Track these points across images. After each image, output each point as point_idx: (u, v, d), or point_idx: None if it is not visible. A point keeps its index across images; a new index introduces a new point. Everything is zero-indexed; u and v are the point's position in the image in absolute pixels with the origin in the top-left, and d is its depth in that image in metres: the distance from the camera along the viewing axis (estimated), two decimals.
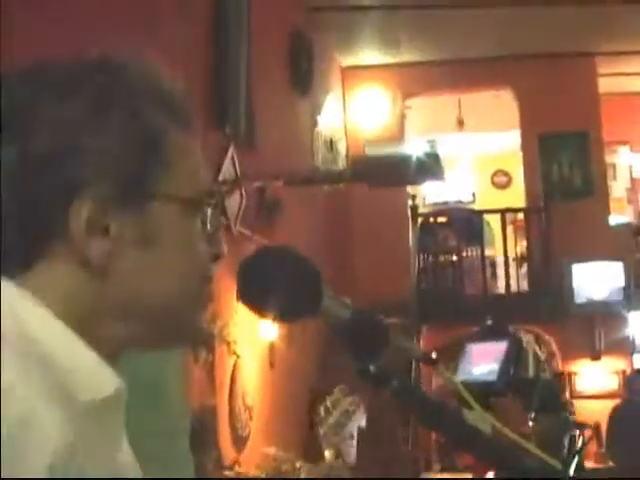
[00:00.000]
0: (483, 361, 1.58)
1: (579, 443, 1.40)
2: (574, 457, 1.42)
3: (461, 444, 1.39)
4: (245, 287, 1.14)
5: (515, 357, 1.54)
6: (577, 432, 1.39)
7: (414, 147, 4.45)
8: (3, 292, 0.88)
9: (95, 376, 0.90)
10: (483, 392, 1.53)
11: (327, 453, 7.41)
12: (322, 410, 7.65)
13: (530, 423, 1.49)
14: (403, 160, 4.28)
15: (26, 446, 0.78)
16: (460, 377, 1.58)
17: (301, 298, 1.16)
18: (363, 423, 8.01)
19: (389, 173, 4.31)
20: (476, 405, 1.41)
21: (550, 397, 1.53)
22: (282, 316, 1.17)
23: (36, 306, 0.89)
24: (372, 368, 1.26)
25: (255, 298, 1.14)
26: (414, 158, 4.29)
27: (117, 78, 0.96)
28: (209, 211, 1.02)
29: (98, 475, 0.86)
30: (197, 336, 1.05)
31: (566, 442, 1.46)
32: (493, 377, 1.55)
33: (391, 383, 1.28)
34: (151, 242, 0.94)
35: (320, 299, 1.17)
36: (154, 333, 0.99)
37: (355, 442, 7.95)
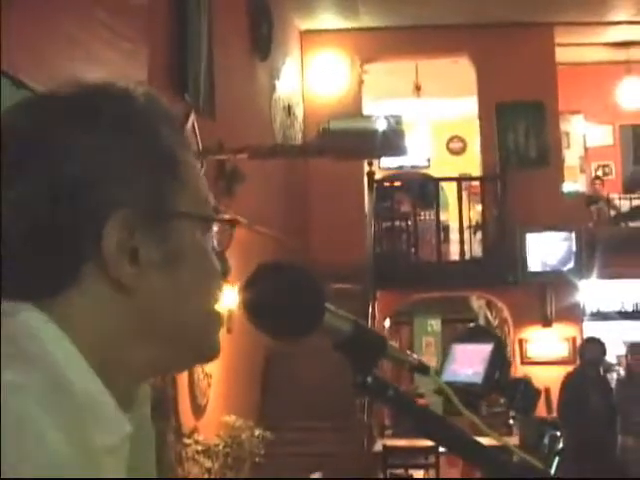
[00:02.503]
0: (468, 363, 1.61)
1: (560, 443, 1.44)
2: (555, 457, 1.47)
3: (450, 447, 1.42)
4: (249, 305, 1.15)
5: (500, 359, 1.58)
6: (558, 433, 1.43)
7: (378, 121, 4.46)
8: (31, 323, 0.89)
9: (109, 420, 0.91)
10: (468, 394, 1.56)
11: None
12: None
13: (511, 421, 1.54)
14: (368, 135, 4.30)
15: None
16: (445, 378, 1.61)
17: (304, 317, 1.17)
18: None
19: (354, 148, 4.32)
20: (463, 408, 1.45)
21: (530, 398, 1.57)
22: (285, 335, 1.18)
23: (61, 339, 0.90)
24: (369, 380, 1.28)
25: (258, 317, 1.15)
26: (379, 133, 4.31)
27: (130, 106, 0.98)
28: (215, 229, 1.04)
29: None
30: (215, 354, 1.06)
31: (547, 442, 1.51)
32: (478, 379, 1.58)
33: (387, 393, 1.31)
34: (175, 261, 0.96)
35: (322, 316, 1.19)
36: (178, 354, 1.00)
37: None
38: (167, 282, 0.95)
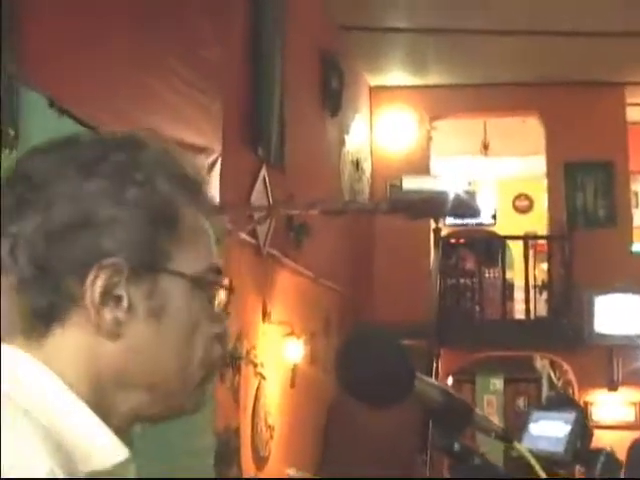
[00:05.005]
0: (549, 431, 1.61)
1: None
2: None
3: None
4: (342, 373, 1.19)
5: (582, 429, 1.58)
6: None
7: (450, 182, 4.49)
8: (10, 361, 0.93)
9: (97, 446, 0.92)
10: (549, 462, 1.56)
11: None
12: None
13: None
14: (441, 196, 4.31)
15: None
16: (525, 445, 1.61)
17: (396, 385, 1.20)
18: None
19: (426, 208, 4.35)
20: (545, 476, 1.45)
21: (611, 468, 1.56)
22: (377, 401, 1.21)
23: (45, 375, 0.93)
24: (456, 445, 1.30)
25: (352, 384, 1.18)
26: (452, 195, 4.33)
27: (136, 156, 1.00)
28: (217, 289, 1.05)
29: None
30: (195, 408, 1.06)
31: None
32: (560, 448, 1.57)
33: (473, 460, 1.32)
34: (159, 315, 0.97)
35: (412, 384, 1.21)
36: (157, 404, 1.01)
37: None
38: (148, 334, 0.97)
